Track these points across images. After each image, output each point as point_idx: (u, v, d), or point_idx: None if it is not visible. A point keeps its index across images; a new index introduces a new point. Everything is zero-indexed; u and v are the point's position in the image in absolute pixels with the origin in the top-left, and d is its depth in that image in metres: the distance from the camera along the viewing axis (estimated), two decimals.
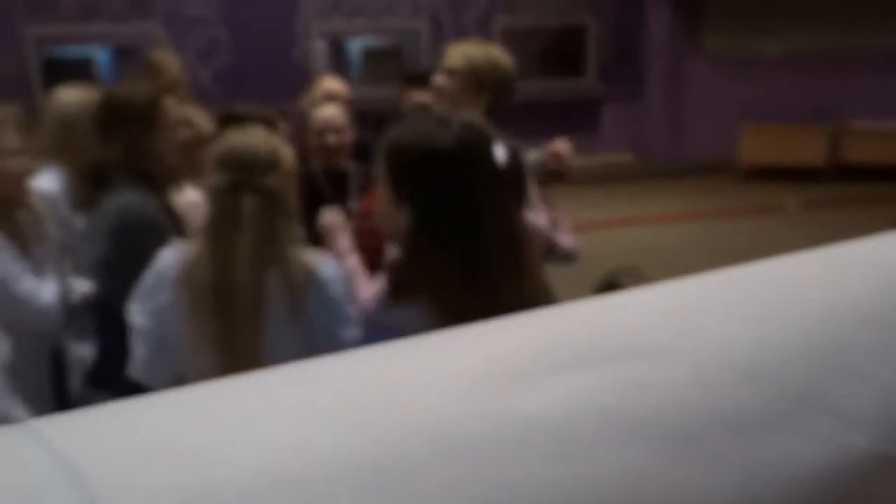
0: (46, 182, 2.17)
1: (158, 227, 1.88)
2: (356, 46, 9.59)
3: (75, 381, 2.00)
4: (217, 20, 8.85)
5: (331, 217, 1.94)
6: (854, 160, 8.94)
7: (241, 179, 1.54)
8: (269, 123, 2.33)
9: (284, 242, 1.57)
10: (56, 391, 1.97)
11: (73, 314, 1.93)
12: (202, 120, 2.38)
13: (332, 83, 3.40)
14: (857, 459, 0.37)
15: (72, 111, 2.25)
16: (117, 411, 0.36)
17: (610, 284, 3.25)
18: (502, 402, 0.35)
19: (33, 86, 8.46)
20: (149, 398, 0.37)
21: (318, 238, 2.21)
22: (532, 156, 2.42)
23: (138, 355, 1.65)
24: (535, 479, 0.32)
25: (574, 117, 10.12)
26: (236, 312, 1.52)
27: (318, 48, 9.21)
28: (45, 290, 1.84)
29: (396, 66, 9.68)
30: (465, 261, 1.25)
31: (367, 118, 3.26)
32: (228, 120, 2.18)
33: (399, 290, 1.33)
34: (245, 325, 1.53)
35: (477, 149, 1.33)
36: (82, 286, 1.90)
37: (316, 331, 1.62)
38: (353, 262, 1.82)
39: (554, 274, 2.39)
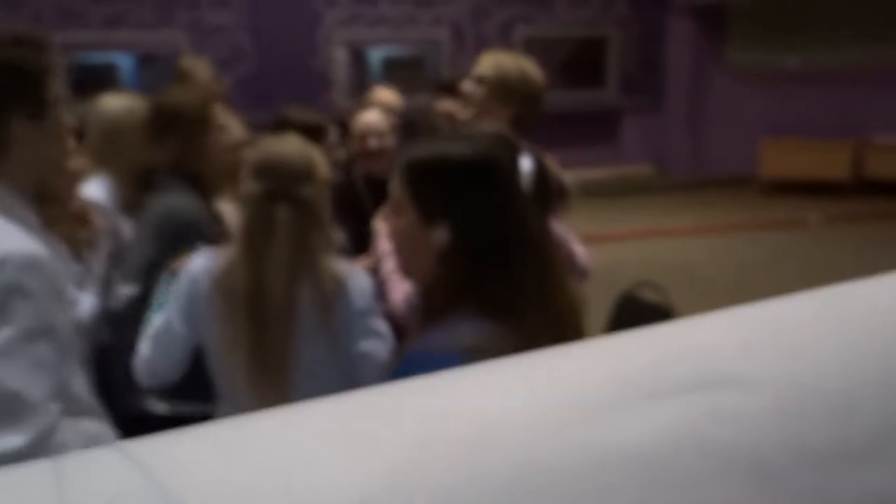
0: (93, 189, 2.19)
1: (204, 230, 1.90)
2: (377, 56, 9.64)
3: (121, 387, 2.01)
4: (239, 28, 8.94)
5: (378, 221, 2.03)
6: (877, 175, 8.85)
7: (276, 189, 1.56)
8: (321, 130, 2.35)
9: (316, 252, 1.60)
10: (102, 398, 1.99)
11: (118, 319, 1.94)
12: (235, 126, 2.40)
13: (384, 93, 3.31)
14: None
15: (117, 117, 2.28)
16: (209, 434, 0.36)
17: (630, 299, 3.24)
18: (596, 432, 0.35)
19: None
20: (240, 421, 0.37)
21: (358, 245, 2.24)
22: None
23: (142, 354, 1.68)
24: None
25: (594, 129, 10.11)
26: (268, 319, 1.55)
27: (339, 57, 9.27)
28: (84, 303, 1.85)
29: (417, 75, 9.75)
30: (512, 272, 1.22)
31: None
32: (282, 125, 2.20)
33: (441, 310, 1.24)
34: (276, 332, 1.56)
35: (503, 159, 1.30)
36: (127, 290, 1.91)
37: (342, 340, 1.63)
38: (391, 265, 1.85)
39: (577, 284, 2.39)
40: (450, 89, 2.71)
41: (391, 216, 1.30)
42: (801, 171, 9.10)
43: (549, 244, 1.31)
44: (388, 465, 0.32)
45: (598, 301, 3.56)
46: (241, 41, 8.99)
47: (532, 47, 8.94)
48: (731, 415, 0.37)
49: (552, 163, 2.21)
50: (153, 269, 1.85)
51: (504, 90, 2.29)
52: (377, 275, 1.92)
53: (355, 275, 1.67)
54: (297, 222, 1.57)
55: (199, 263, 1.68)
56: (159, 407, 1.95)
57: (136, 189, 2.05)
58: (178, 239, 1.78)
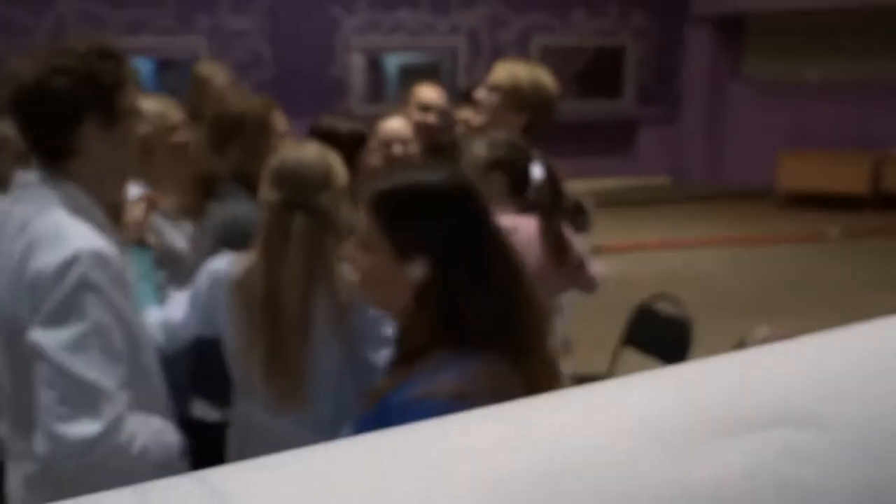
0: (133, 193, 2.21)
1: None
2: (393, 63, 9.67)
3: (174, 394, 2.02)
4: (259, 34, 9.00)
5: None
6: None
7: (293, 197, 1.58)
8: (363, 138, 2.36)
9: (332, 260, 1.61)
10: None
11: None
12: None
13: (426, 91, 3.14)
14: None
15: (149, 120, 2.30)
16: (285, 463, 0.36)
17: (647, 311, 3.22)
18: (677, 468, 0.35)
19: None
20: (316, 450, 0.38)
21: None
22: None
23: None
24: None
25: (610, 138, 10.08)
26: (284, 325, 1.57)
27: (356, 64, 9.31)
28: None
29: (432, 83, 9.68)
30: (495, 305, 1.15)
31: None
32: (326, 135, 2.21)
33: (422, 352, 1.14)
34: (291, 338, 1.58)
35: (474, 186, 1.23)
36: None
37: (356, 347, 1.66)
38: None
39: (590, 297, 2.37)
40: (467, 97, 2.71)
41: (359, 253, 1.22)
42: (820, 184, 9.03)
43: (523, 271, 1.24)
44: (465, 499, 0.32)
45: (613, 312, 3.55)
46: (260, 47, 9.05)
47: (549, 56, 8.93)
48: (809, 455, 0.37)
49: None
50: None
51: (517, 98, 2.30)
52: None
53: None
54: (314, 230, 1.58)
55: (221, 265, 1.70)
56: (211, 414, 1.95)
57: (196, 194, 2.06)
58: (239, 246, 1.78)
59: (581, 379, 2.31)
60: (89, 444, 1.23)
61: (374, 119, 2.83)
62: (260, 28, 8.98)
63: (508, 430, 0.38)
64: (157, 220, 2.11)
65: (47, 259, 1.25)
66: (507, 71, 2.35)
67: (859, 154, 9.00)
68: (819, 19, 9.13)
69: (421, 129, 2.79)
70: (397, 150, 2.70)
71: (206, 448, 1.55)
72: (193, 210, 2.04)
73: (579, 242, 2.11)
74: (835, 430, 0.38)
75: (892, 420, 0.39)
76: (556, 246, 2.00)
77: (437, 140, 2.73)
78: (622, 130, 10.30)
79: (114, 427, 1.25)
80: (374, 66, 9.58)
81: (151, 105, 2.38)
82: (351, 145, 2.21)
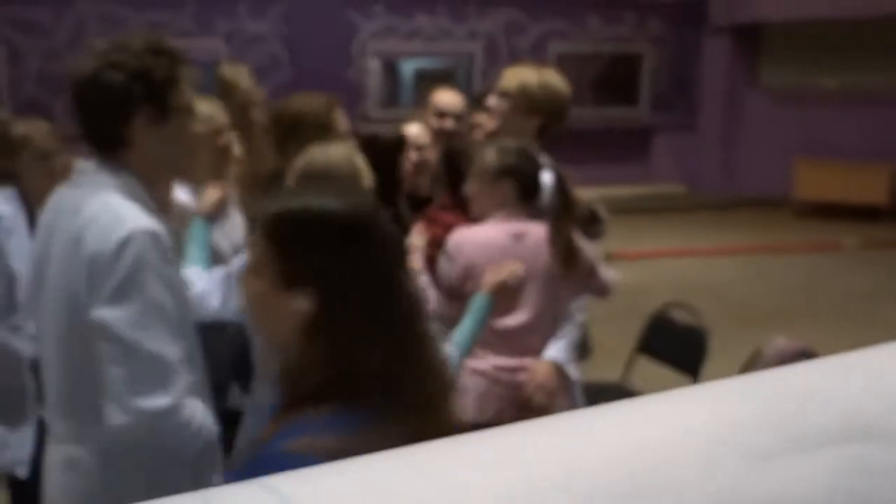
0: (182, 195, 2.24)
1: None
2: (409, 68, 9.70)
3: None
4: (276, 38, 9.06)
5: (413, 238, 2.10)
6: None
7: None
8: (402, 143, 2.37)
9: None
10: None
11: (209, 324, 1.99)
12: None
13: (443, 97, 3.04)
14: None
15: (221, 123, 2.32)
16: (348, 470, 0.36)
17: (663, 320, 3.21)
18: (755, 482, 0.35)
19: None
20: (385, 457, 0.38)
21: None
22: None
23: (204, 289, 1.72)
24: None
25: (626, 146, 10.06)
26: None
27: (372, 68, 9.34)
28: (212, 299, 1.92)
29: (451, 88, 9.67)
30: (387, 354, 1.03)
31: None
32: (367, 141, 2.21)
33: (303, 398, 1.03)
34: None
35: (376, 220, 1.11)
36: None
37: None
38: (424, 280, 1.96)
39: (604, 305, 2.37)
40: (481, 103, 2.70)
41: (249, 276, 1.12)
42: (836, 194, 8.96)
43: (425, 320, 1.13)
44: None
45: (626, 320, 3.54)
46: (278, 51, 9.11)
47: (565, 63, 8.93)
48: (881, 470, 0.36)
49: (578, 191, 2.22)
50: None
51: (527, 103, 2.30)
52: None
53: None
54: None
55: (201, 277, 1.75)
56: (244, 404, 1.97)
57: (258, 191, 2.08)
58: None
59: (594, 387, 2.30)
60: (162, 415, 1.29)
61: (388, 123, 2.82)
62: (278, 32, 9.03)
63: (586, 438, 0.38)
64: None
65: (103, 239, 1.30)
66: (516, 76, 2.35)
67: (876, 164, 8.93)
68: (837, 29, 9.08)
69: (438, 135, 2.78)
70: (414, 156, 2.71)
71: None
72: (254, 206, 2.06)
73: (591, 249, 2.10)
74: None
75: None
76: (565, 251, 2.00)
77: (455, 145, 2.72)
78: (638, 138, 10.27)
79: (182, 400, 1.30)
80: (390, 70, 9.61)
81: (200, 107, 2.40)
82: (391, 150, 2.24)
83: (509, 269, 1.89)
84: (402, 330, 1.07)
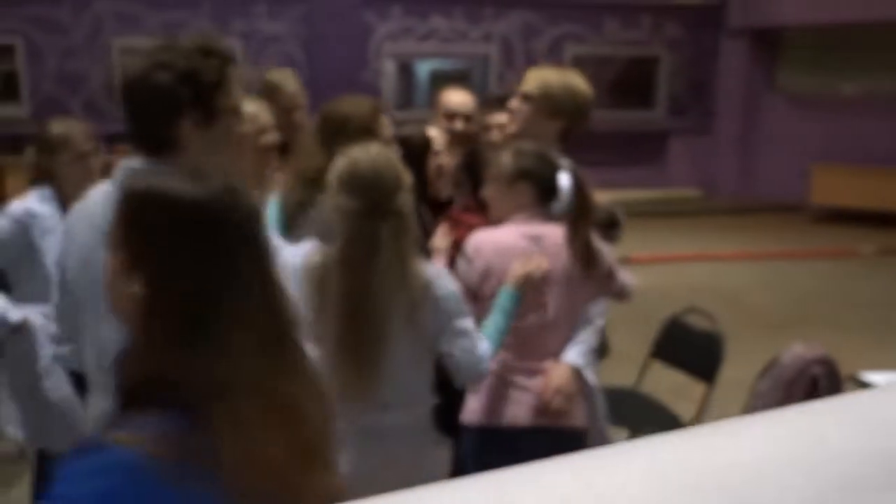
0: None
1: None
2: (424, 69, 9.71)
3: None
4: (293, 39, 9.08)
5: (436, 240, 2.12)
6: None
7: (375, 205, 1.63)
8: (429, 143, 2.38)
9: (410, 258, 1.67)
10: None
11: None
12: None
13: (453, 97, 2.92)
14: None
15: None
16: (475, 486, 0.36)
17: (678, 325, 3.19)
18: None
19: (115, 90, 8.85)
20: (532, 471, 0.38)
21: None
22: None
23: None
24: None
25: (641, 149, 10.01)
26: (367, 322, 1.64)
27: (388, 69, 9.36)
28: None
29: (460, 87, 9.67)
30: (223, 354, 0.97)
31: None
32: (400, 141, 2.22)
33: (133, 388, 0.97)
34: (373, 333, 1.65)
35: (243, 208, 1.03)
36: None
37: (429, 340, 1.72)
38: None
39: (616, 308, 2.35)
40: (501, 103, 2.67)
41: (108, 252, 1.07)
42: (854, 200, 8.88)
43: (286, 320, 1.05)
44: None
45: (640, 324, 3.51)
46: (294, 51, 9.13)
47: (581, 66, 8.88)
48: None
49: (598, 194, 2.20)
50: None
51: (550, 106, 2.28)
52: None
53: (443, 278, 1.74)
54: (397, 234, 1.65)
55: (296, 250, 1.80)
56: None
57: (305, 187, 2.11)
58: None
59: (607, 392, 2.29)
60: None
61: (403, 125, 2.81)
62: (294, 33, 9.06)
63: (696, 455, 0.37)
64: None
65: None
66: (538, 78, 2.33)
67: (895, 170, 8.84)
68: (856, 33, 9.00)
69: (450, 137, 2.75)
70: (431, 161, 2.68)
71: None
72: (305, 204, 2.08)
73: (609, 252, 2.09)
74: None
75: None
76: (584, 253, 1.98)
77: (476, 148, 2.69)
78: (654, 141, 10.23)
79: None
80: (406, 72, 9.63)
81: (244, 106, 2.43)
82: (420, 151, 2.26)
83: (534, 262, 1.89)
84: (248, 333, 0.99)
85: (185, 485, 0.90)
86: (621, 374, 3.17)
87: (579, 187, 2.01)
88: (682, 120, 10.26)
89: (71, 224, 1.49)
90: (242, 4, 8.93)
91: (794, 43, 9.78)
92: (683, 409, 2.99)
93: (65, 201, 2.26)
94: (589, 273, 1.99)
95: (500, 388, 1.93)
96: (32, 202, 2.28)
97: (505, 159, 2.04)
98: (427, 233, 2.14)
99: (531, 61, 9.65)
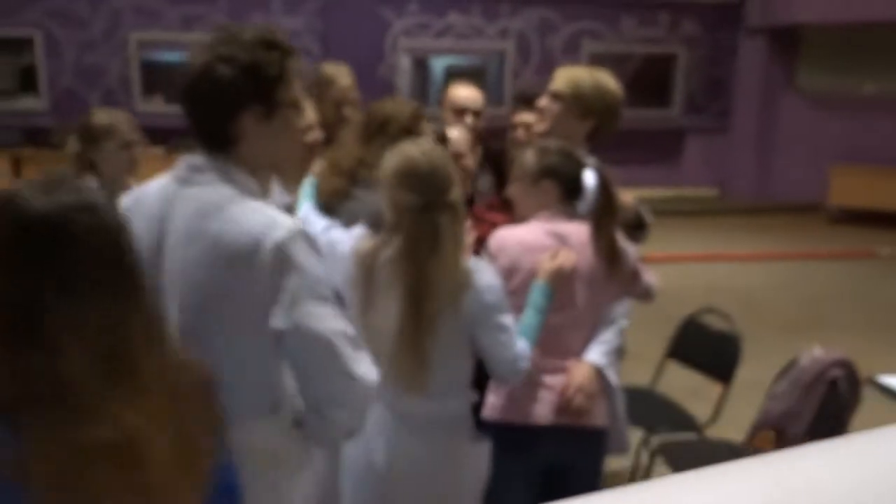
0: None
1: None
2: (439, 65, 9.69)
3: None
4: (309, 33, 9.09)
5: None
6: None
7: (434, 200, 1.69)
8: (444, 139, 2.40)
9: (459, 249, 1.73)
10: None
11: None
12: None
13: (461, 91, 2.83)
14: None
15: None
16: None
17: (695, 325, 3.17)
18: None
19: (132, 83, 8.89)
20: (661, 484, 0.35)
21: None
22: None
23: None
24: None
25: (657, 148, 9.95)
26: (427, 313, 1.70)
27: (403, 65, 9.35)
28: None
29: (478, 85, 9.61)
30: (45, 364, 0.96)
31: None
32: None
33: None
34: (430, 324, 1.70)
35: (85, 224, 1.01)
36: None
37: (468, 331, 1.75)
38: None
39: (631, 308, 2.33)
40: (529, 101, 2.63)
41: None
42: (872, 201, 8.79)
43: (132, 341, 1.02)
44: None
45: (655, 324, 3.49)
46: (311, 46, 9.14)
47: (597, 63, 8.85)
48: None
49: (626, 195, 2.19)
50: None
51: (581, 106, 2.26)
52: None
53: (485, 271, 1.76)
54: (454, 227, 1.71)
55: (342, 237, 1.87)
56: None
57: (342, 180, 2.14)
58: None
59: (624, 391, 2.27)
60: (371, 387, 1.34)
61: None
62: (311, 27, 9.07)
63: (818, 474, 0.36)
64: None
65: (265, 243, 1.27)
66: (568, 78, 2.30)
67: None
68: (876, 32, 8.90)
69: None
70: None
71: None
72: (340, 193, 2.09)
73: (634, 252, 2.07)
74: None
75: None
76: (608, 253, 1.97)
77: (497, 146, 2.67)
78: (670, 140, 10.17)
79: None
80: (421, 67, 9.61)
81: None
82: (439, 143, 2.29)
83: (563, 256, 1.88)
84: (76, 350, 0.97)
85: None
86: (636, 373, 3.16)
87: (604, 186, 1.99)
88: (698, 118, 10.19)
89: (125, 213, 1.48)
90: None
91: (813, 41, 9.68)
92: (699, 410, 2.98)
93: (108, 192, 2.28)
94: (613, 272, 1.98)
95: (522, 386, 1.92)
96: None
97: (529, 157, 2.03)
98: None
99: (547, 58, 9.62)
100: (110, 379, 0.99)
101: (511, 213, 2.12)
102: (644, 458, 2.84)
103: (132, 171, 2.37)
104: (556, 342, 1.96)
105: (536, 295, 1.86)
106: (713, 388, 2.95)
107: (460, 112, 2.75)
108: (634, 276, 2.04)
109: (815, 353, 2.77)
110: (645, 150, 9.59)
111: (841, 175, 9.04)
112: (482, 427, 1.92)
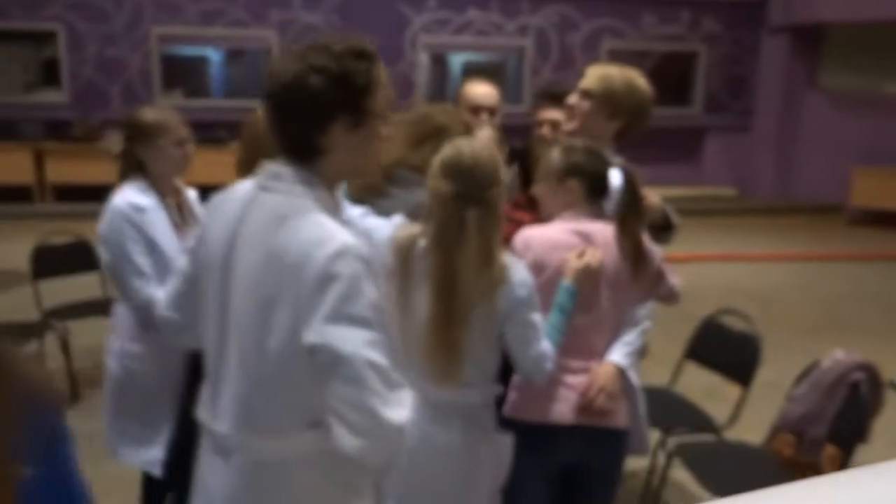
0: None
1: None
2: (457, 62, 9.68)
3: None
4: (329, 29, 9.10)
5: None
6: None
7: (467, 192, 1.71)
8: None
9: (494, 245, 1.74)
10: None
11: None
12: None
13: (477, 88, 2.76)
14: None
15: None
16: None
17: (714, 325, 3.14)
18: None
19: (153, 77, 8.95)
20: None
21: None
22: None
23: None
24: None
25: (677, 146, 9.89)
26: (456, 304, 1.72)
27: (422, 61, 9.35)
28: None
29: (496, 82, 9.58)
30: None
31: None
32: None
33: None
34: (460, 315, 1.72)
35: None
36: None
37: (497, 322, 1.77)
38: None
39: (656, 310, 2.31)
40: (556, 99, 2.58)
41: None
42: (894, 203, 8.69)
43: None
44: None
45: (672, 324, 3.47)
46: None
47: (617, 60, 8.80)
48: None
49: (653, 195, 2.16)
50: None
51: (611, 105, 2.22)
52: None
53: (519, 267, 1.78)
54: (482, 221, 1.71)
55: (385, 225, 1.89)
56: None
57: (382, 178, 2.16)
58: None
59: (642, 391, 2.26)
60: (402, 429, 1.27)
61: None
62: (330, 23, 9.08)
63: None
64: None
65: (316, 256, 1.25)
66: (600, 76, 2.26)
67: None
68: None
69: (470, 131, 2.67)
70: None
71: None
72: (373, 189, 2.11)
73: (659, 253, 2.04)
74: None
75: None
76: (633, 253, 1.95)
77: (520, 144, 2.63)
78: (690, 138, 10.10)
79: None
80: (439, 64, 9.61)
81: None
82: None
83: (589, 254, 1.87)
84: None
85: None
86: (654, 373, 3.14)
87: (631, 185, 1.97)
88: (719, 117, 10.11)
89: (208, 216, 1.46)
90: None
91: (836, 40, 9.58)
92: (716, 410, 2.95)
93: (160, 191, 2.24)
94: (638, 273, 1.96)
95: (544, 385, 1.91)
96: (134, 195, 2.20)
97: (555, 155, 2.02)
98: None
99: (567, 55, 9.58)
100: None
101: (537, 211, 2.11)
102: (661, 458, 2.82)
103: (184, 169, 2.31)
104: (580, 343, 1.95)
105: (562, 296, 1.86)
106: (730, 389, 2.93)
107: (475, 110, 2.69)
108: (659, 277, 2.01)
109: (836, 356, 2.74)
110: (664, 148, 9.53)
111: (862, 176, 8.94)
112: (503, 424, 1.91)
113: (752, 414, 2.87)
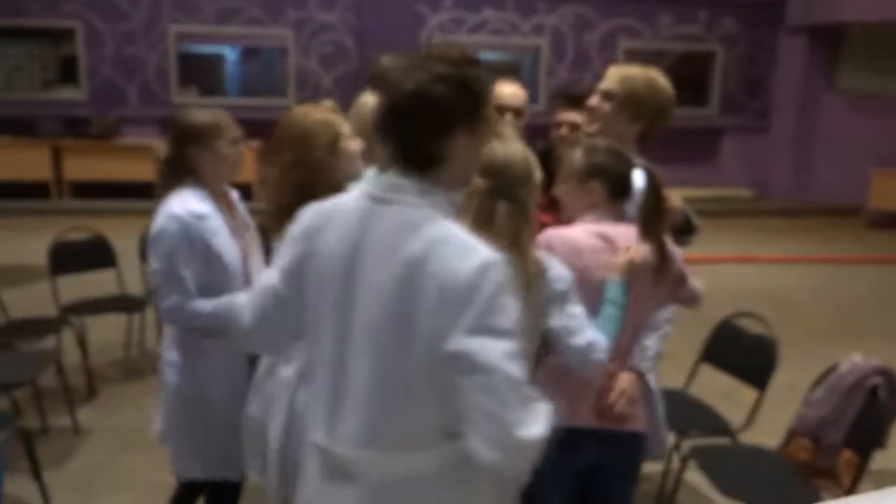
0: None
1: None
2: None
3: None
4: (344, 28, 9.12)
5: None
6: None
7: (499, 188, 1.74)
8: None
9: (526, 243, 1.76)
10: None
11: None
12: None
13: (504, 88, 2.73)
14: None
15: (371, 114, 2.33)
16: None
17: (730, 328, 3.11)
18: None
19: (169, 75, 9.01)
20: None
21: None
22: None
23: None
24: None
25: (693, 147, 9.83)
26: None
27: None
28: None
29: (511, 80, 9.54)
30: None
31: None
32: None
33: None
34: None
35: None
36: None
37: (539, 318, 1.77)
38: None
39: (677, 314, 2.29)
40: (573, 100, 2.55)
41: None
42: None
43: None
44: None
45: (687, 326, 3.43)
46: (345, 40, 9.17)
47: (633, 60, 8.76)
48: None
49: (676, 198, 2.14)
50: None
51: (633, 106, 2.18)
52: None
53: (556, 265, 1.79)
54: (511, 217, 1.73)
55: None
56: None
57: None
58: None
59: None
60: (539, 446, 1.26)
61: None
62: (346, 22, 9.10)
63: None
64: None
65: (459, 267, 1.25)
66: (621, 77, 2.22)
67: None
68: None
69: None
70: None
71: None
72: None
73: (680, 256, 2.02)
74: None
75: None
76: (657, 256, 1.92)
77: (543, 145, 2.61)
78: (706, 139, 10.04)
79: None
80: None
81: (368, 99, 2.46)
82: None
83: (635, 249, 1.86)
84: None
85: None
86: (669, 375, 3.12)
87: (654, 187, 1.94)
88: (736, 118, 10.05)
89: (312, 233, 1.41)
90: None
91: (855, 41, 9.49)
92: (731, 413, 2.93)
93: (214, 195, 2.16)
94: (660, 276, 1.94)
95: (563, 387, 1.90)
96: (194, 202, 2.10)
97: (577, 156, 1.99)
98: None
99: (582, 55, 9.55)
100: None
101: (559, 212, 2.09)
102: (676, 461, 2.81)
103: (238, 170, 2.22)
104: None
105: (612, 292, 1.84)
106: (746, 392, 2.90)
107: (500, 110, 2.67)
108: (681, 280, 1.99)
109: (854, 360, 2.71)
110: (681, 148, 9.47)
111: (881, 178, 8.85)
112: None
113: (767, 417, 2.85)
